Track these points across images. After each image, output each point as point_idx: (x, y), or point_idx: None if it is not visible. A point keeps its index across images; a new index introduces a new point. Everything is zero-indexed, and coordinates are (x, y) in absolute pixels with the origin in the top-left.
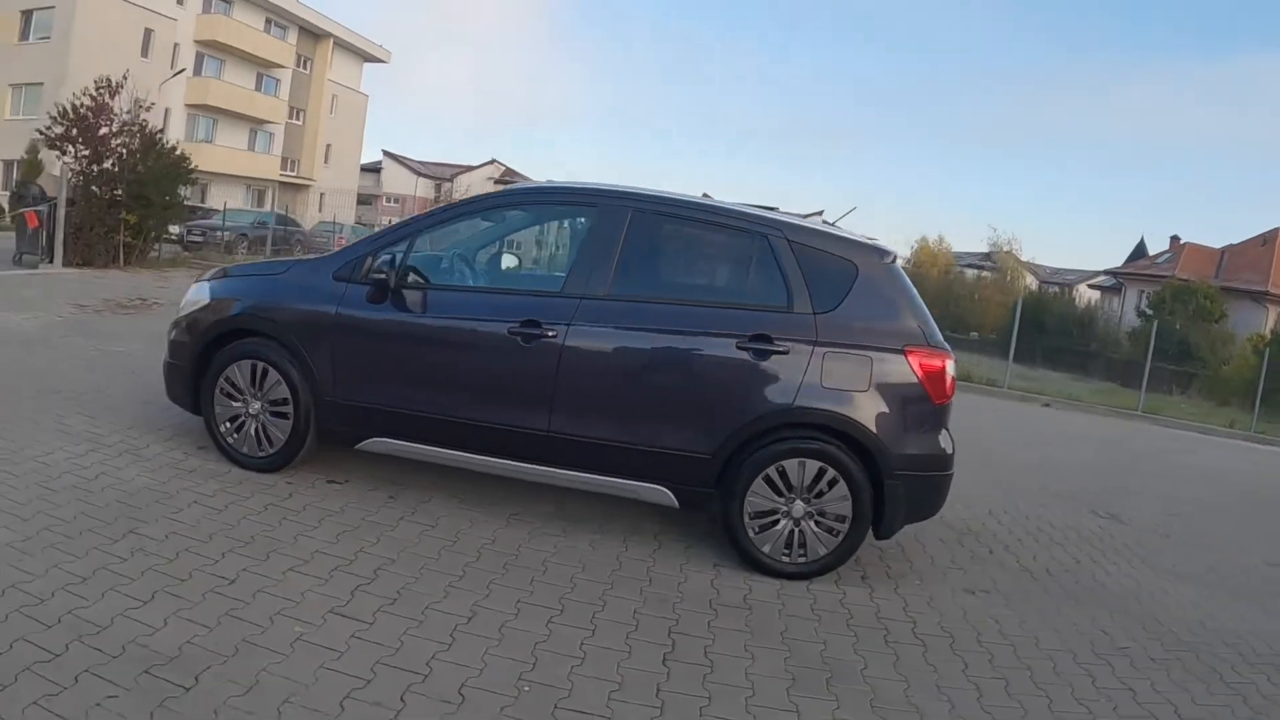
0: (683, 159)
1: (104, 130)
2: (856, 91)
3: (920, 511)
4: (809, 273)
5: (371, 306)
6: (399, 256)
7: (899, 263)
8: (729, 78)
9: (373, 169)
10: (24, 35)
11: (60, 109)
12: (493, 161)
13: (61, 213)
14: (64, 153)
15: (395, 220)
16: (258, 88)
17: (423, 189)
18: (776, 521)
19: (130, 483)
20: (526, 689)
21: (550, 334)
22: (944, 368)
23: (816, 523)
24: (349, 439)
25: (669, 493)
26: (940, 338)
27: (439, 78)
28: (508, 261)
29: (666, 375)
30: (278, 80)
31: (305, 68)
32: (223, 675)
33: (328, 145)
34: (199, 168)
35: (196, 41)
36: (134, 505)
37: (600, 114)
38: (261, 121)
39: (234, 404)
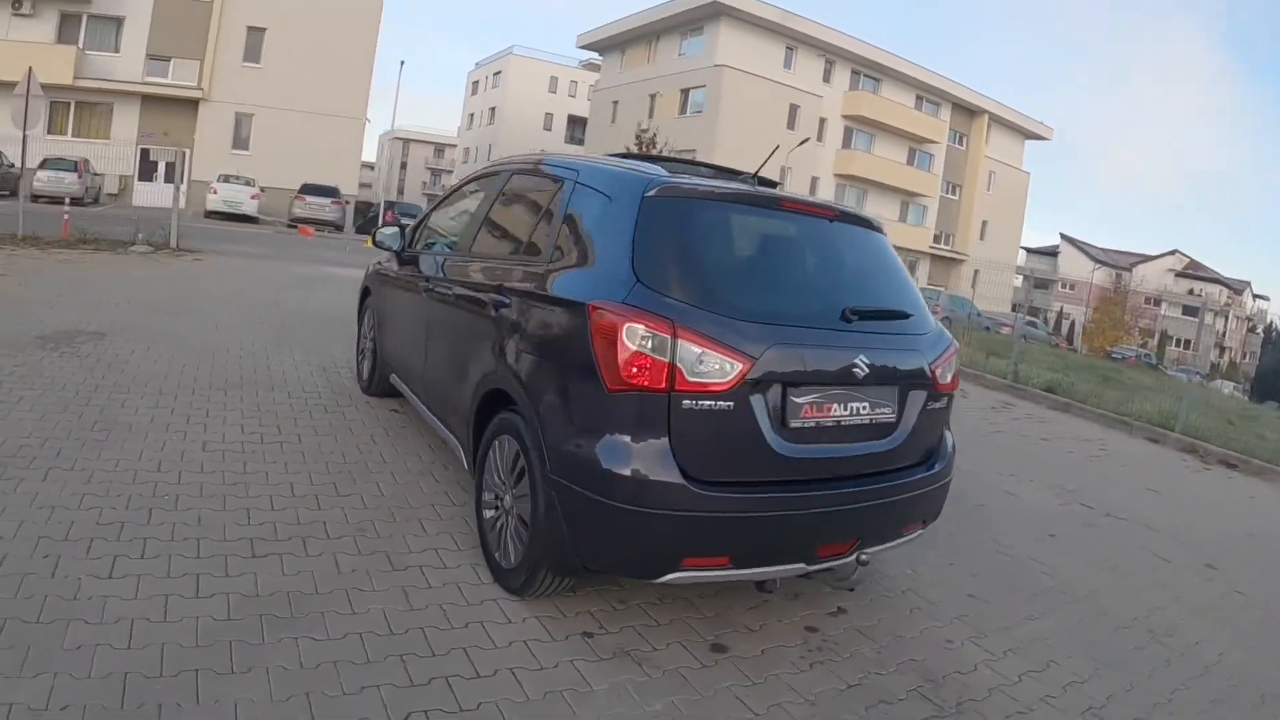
0: None
1: None
2: None
3: (591, 550)
4: (570, 215)
5: (393, 269)
6: (408, 231)
7: (687, 195)
8: None
9: (1048, 252)
10: (683, 110)
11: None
12: (1174, 252)
13: None
14: None
15: (1062, 305)
16: (909, 161)
17: (1100, 277)
18: (498, 507)
19: (279, 380)
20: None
21: (430, 286)
22: (616, 333)
23: (518, 522)
24: (387, 374)
25: (459, 447)
26: (684, 304)
27: (1115, 156)
28: (460, 229)
29: (460, 327)
30: (931, 155)
31: (960, 143)
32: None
33: (984, 221)
34: None
35: (844, 116)
36: (258, 386)
37: None
38: (913, 194)
39: (363, 343)
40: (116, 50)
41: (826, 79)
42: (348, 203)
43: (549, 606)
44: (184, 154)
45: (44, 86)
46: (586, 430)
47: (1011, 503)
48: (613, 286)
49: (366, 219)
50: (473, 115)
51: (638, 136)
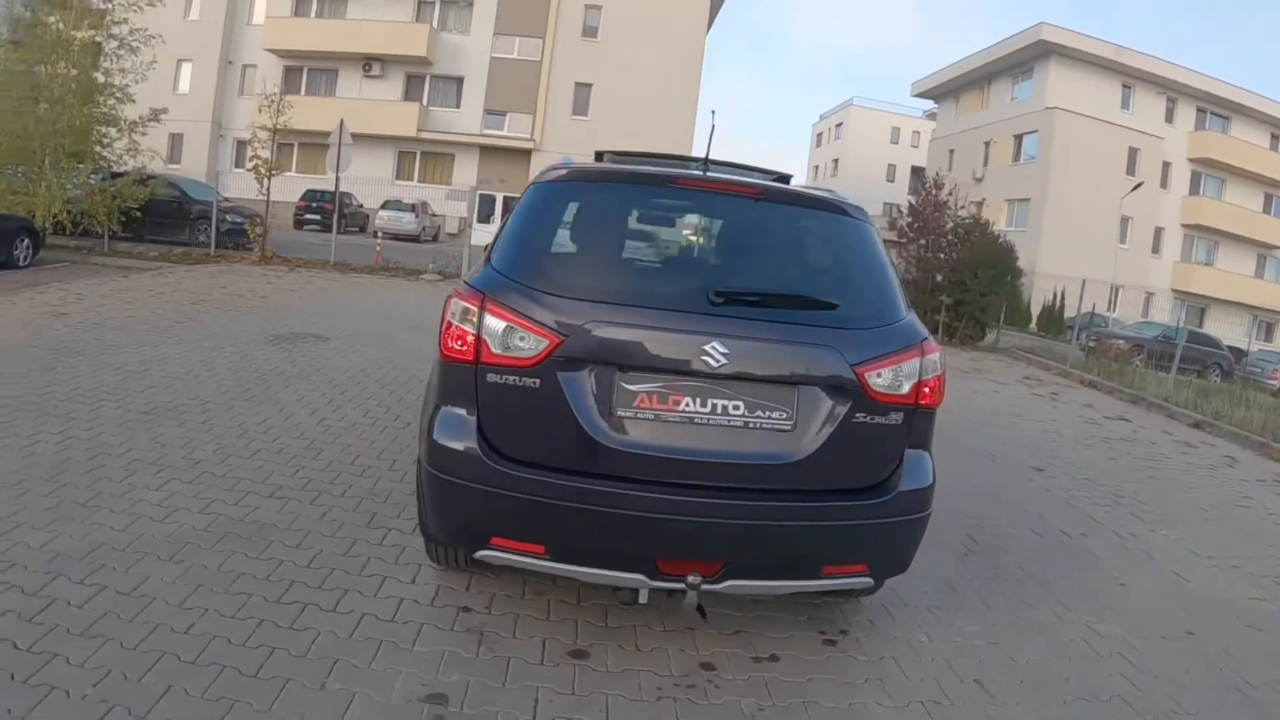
0: None
1: (938, 224)
2: None
3: (429, 515)
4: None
5: None
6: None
7: (566, 180)
8: None
9: None
10: (1015, 157)
11: (909, 204)
12: None
13: None
14: (910, 241)
15: None
16: (1266, 209)
17: None
18: None
19: None
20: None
21: None
22: (445, 308)
23: None
24: None
25: None
26: (510, 280)
27: None
28: None
29: None
30: None
31: None
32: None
33: None
34: (1194, 290)
35: (1190, 160)
36: (417, 384)
37: None
38: (1271, 246)
39: None
40: (457, 106)
41: (1169, 119)
42: None
43: (460, 579)
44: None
45: (390, 138)
46: (429, 401)
47: (1170, 586)
48: (482, 270)
49: None
50: (817, 167)
51: (921, 179)
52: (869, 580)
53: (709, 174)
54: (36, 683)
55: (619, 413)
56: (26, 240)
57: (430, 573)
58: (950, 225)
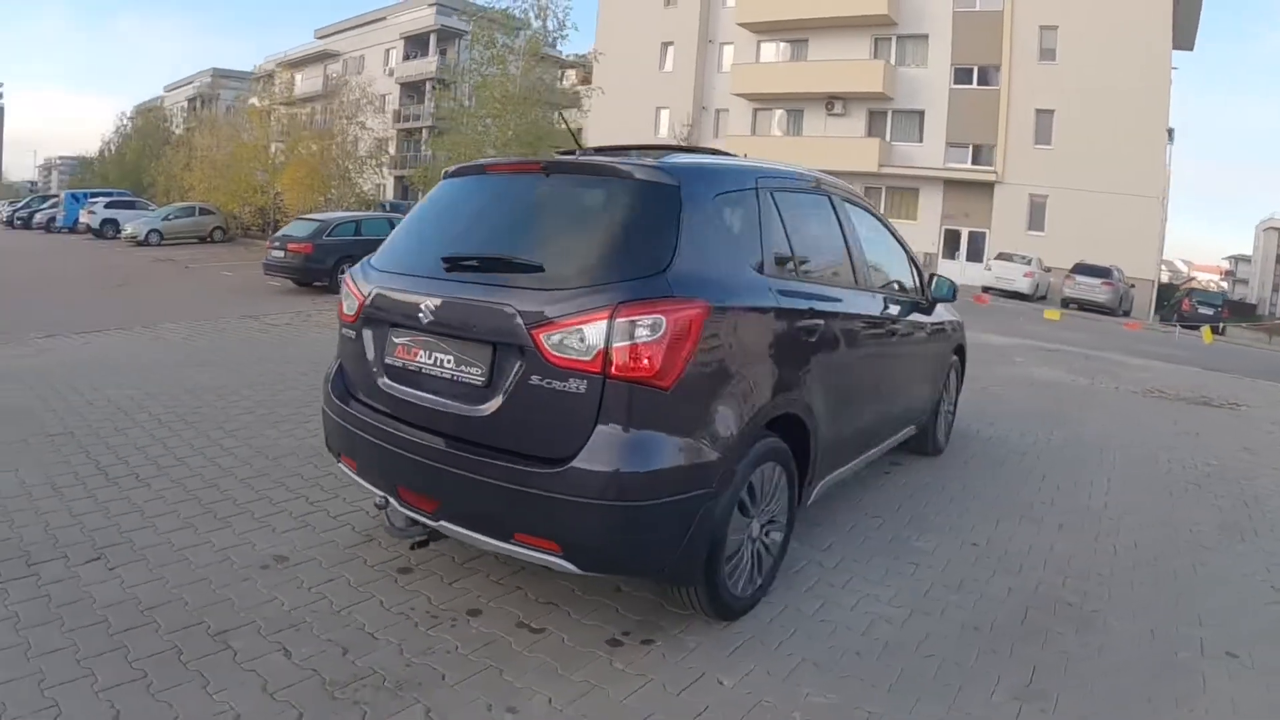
0: None
1: None
2: None
3: None
4: None
5: None
6: None
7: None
8: None
9: None
10: None
11: None
12: None
13: None
14: None
15: None
16: None
17: None
18: None
19: None
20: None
21: None
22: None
23: None
24: None
25: None
26: (368, 262)
27: None
28: None
29: None
30: None
31: None
32: None
33: None
34: None
35: None
36: None
37: None
38: None
39: None
40: (919, 140)
41: None
42: (1131, 285)
43: None
44: (983, 234)
45: (854, 174)
46: None
47: None
48: None
49: (1169, 305)
50: None
51: None
52: (567, 564)
53: (510, 159)
54: (124, 492)
55: (387, 360)
56: None
57: None
58: None
